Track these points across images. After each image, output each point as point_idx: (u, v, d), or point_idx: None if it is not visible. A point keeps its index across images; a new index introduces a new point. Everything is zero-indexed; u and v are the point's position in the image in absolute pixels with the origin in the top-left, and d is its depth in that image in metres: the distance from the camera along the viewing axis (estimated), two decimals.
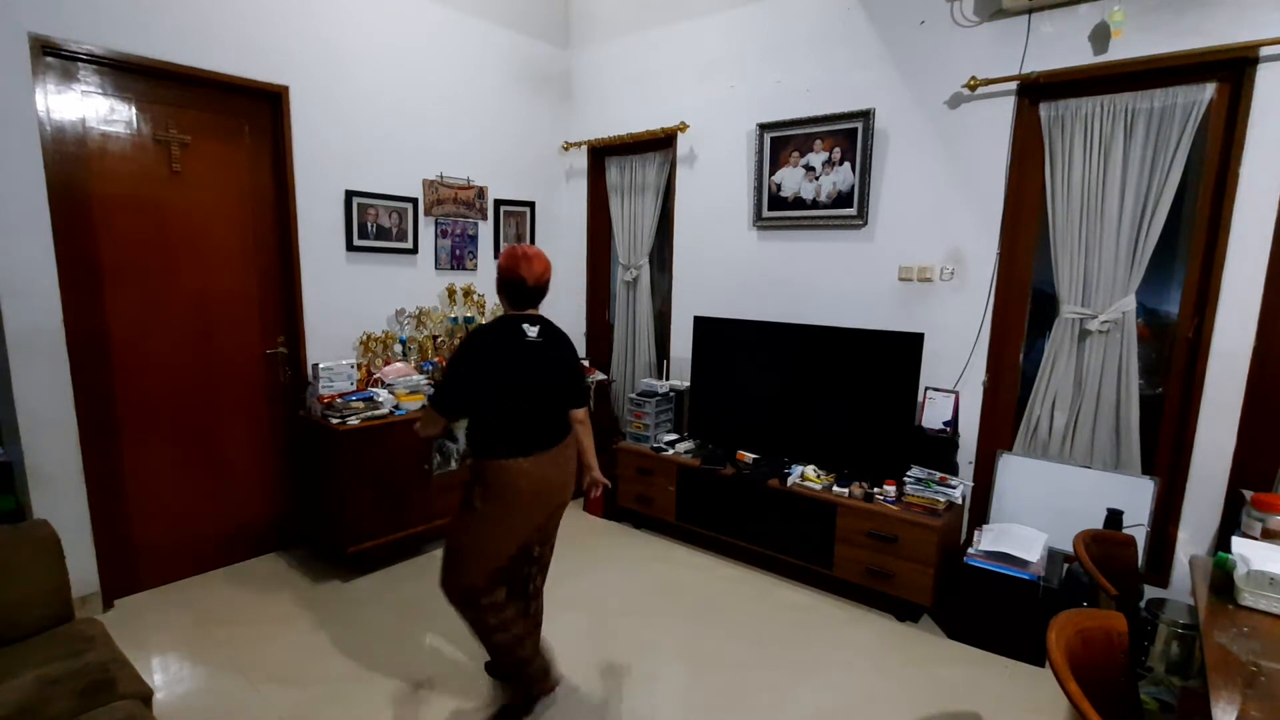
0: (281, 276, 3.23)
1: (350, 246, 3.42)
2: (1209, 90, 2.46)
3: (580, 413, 2.25)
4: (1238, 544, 1.82)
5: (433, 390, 2.03)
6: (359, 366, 3.29)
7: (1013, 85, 2.82)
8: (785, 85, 3.46)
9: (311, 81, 3.18)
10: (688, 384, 3.86)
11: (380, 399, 3.14)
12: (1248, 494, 2.25)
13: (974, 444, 3.07)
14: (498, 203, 4.13)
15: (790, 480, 3.10)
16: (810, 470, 3.12)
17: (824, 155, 3.34)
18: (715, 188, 3.81)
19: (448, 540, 2.11)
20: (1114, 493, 2.68)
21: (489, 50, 3.96)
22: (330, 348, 3.36)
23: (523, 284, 2.07)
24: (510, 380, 2.02)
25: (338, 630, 2.68)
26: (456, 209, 3.90)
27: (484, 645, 2.14)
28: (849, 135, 3.25)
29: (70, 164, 2.57)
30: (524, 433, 2.05)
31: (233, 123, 3.01)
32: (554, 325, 2.21)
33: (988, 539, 2.69)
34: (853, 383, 3.13)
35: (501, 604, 2.10)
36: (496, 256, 4.15)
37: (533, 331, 2.08)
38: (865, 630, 2.78)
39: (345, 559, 3.12)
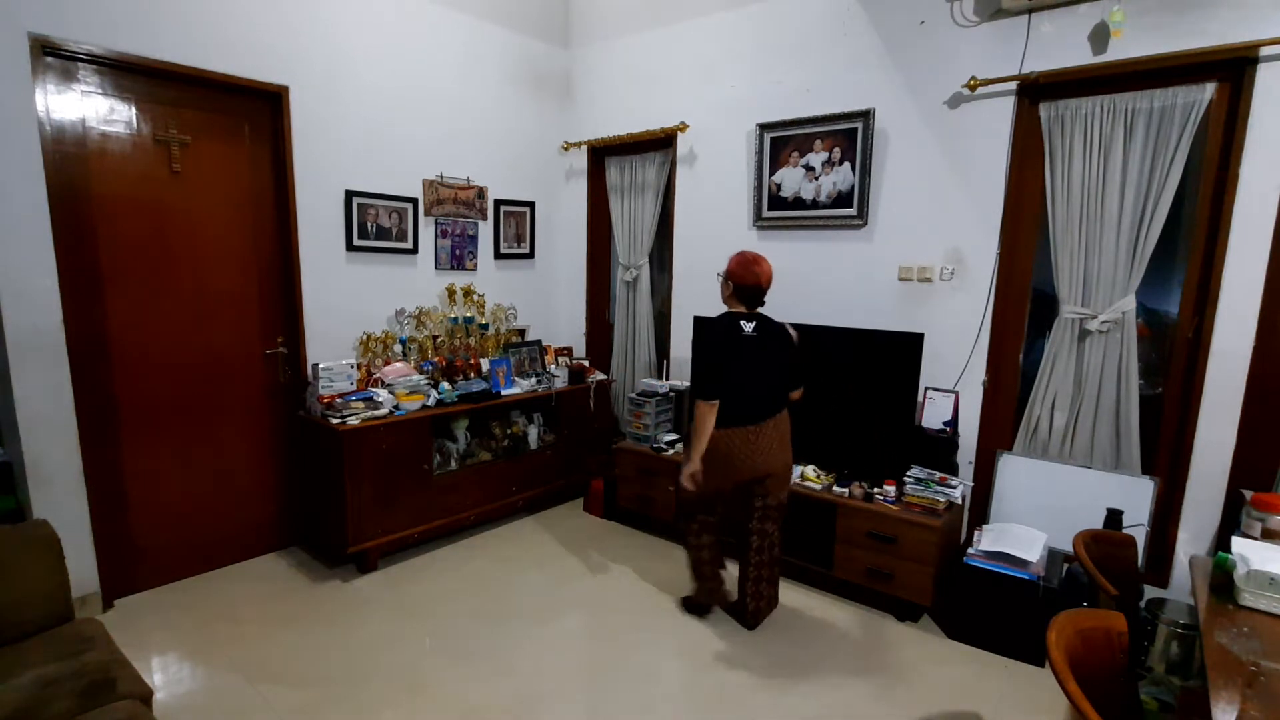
0: (281, 276, 3.23)
1: (350, 246, 3.42)
2: (1209, 90, 2.46)
3: (795, 393, 2.74)
4: (1238, 544, 1.82)
5: (692, 389, 2.56)
6: (359, 366, 3.29)
7: (1013, 85, 2.82)
8: (785, 85, 3.46)
9: (312, 81, 3.18)
10: (688, 384, 3.86)
11: (380, 399, 3.13)
12: (1247, 494, 2.25)
13: (974, 444, 3.07)
14: (498, 203, 4.13)
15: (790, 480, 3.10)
16: (810, 470, 3.12)
17: (824, 155, 3.34)
18: (715, 188, 3.81)
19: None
20: (1114, 493, 2.68)
21: (489, 50, 3.96)
22: (330, 348, 3.36)
23: (758, 288, 2.53)
24: (729, 369, 2.47)
25: (338, 630, 2.68)
26: (456, 209, 3.90)
27: (686, 552, 2.85)
28: (849, 135, 3.25)
29: (70, 164, 2.57)
30: (730, 408, 2.48)
31: (233, 123, 3.01)
32: (770, 320, 2.60)
33: (988, 539, 2.69)
34: (853, 382, 3.13)
35: (700, 531, 2.76)
36: (496, 256, 4.16)
37: (749, 327, 2.52)
38: (865, 630, 2.78)
39: (345, 559, 3.12)
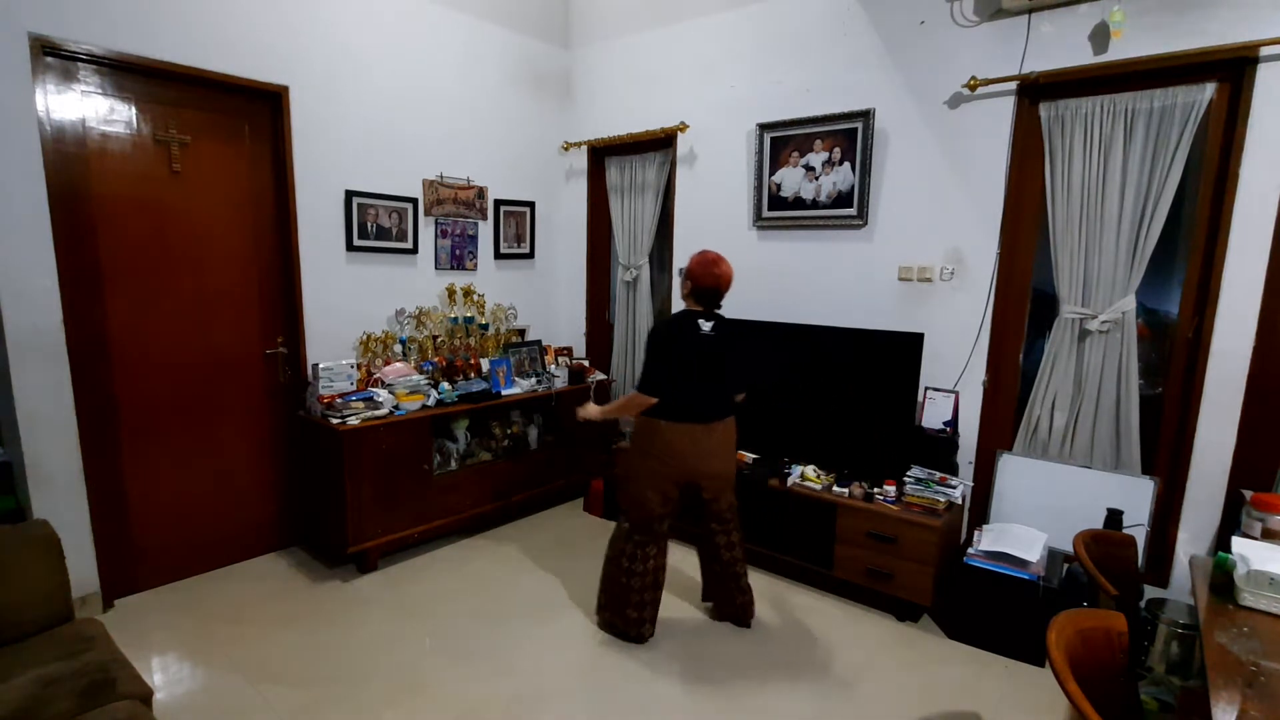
0: (281, 276, 3.23)
1: (350, 246, 3.42)
2: (1209, 90, 2.46)
3: (739, 396, 2.69)
4: (1238, 544, 1.82)
5: (640, 380, 2.51)
6: (359, 366, 3.29)
7: (1013, 85, 2.82)
8: (785, 85, 3.46)
9: (312, 81, 3.18)
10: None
11: (380, 399, 3.13)
12: (1247, 494, 2.25)
13: (974, 444, 3.07)
14: (498, 203, 4.13)
15: (790, 480, 3.10)
16: (810, 470, 3.12)
17: (824, 155, 3.34)
18: (715, 188, 3.81)
19: (620, 483, 2.65)
20: (1114, 493, 2.68)
21: (489, 50, 3.96)
22: (330, 348, 3.36)
23: (716, 290, 2.50)
24: (683, 366, 2.45)
25: (338, 630, 2.68)
26: (456, 209, 3.90)
27: (604, 564, 2.67)
28: (849, 135, 3.25)
29: (70, 164, 2.57)
30: (680, 405, 2.47)
31: (233, 123, 3.01)
32: (727, 320, 2.58)
33: (988, 539, 2.69)
34: (853, 382, 3.13)
35: (645, 557, 2.57)
36: (496, 256, 4.16)
37: (707, 326, 2.50)
38: (865, 630, 2.78)
39: (345, 559, 3.12)
